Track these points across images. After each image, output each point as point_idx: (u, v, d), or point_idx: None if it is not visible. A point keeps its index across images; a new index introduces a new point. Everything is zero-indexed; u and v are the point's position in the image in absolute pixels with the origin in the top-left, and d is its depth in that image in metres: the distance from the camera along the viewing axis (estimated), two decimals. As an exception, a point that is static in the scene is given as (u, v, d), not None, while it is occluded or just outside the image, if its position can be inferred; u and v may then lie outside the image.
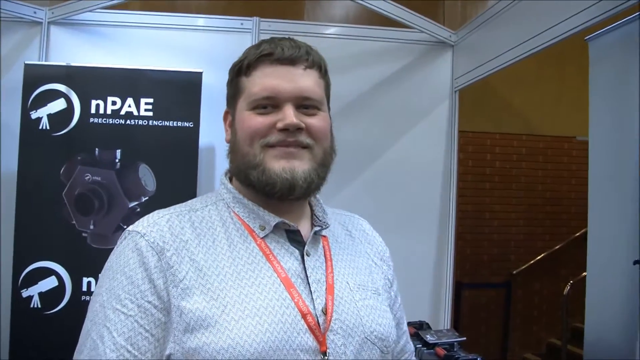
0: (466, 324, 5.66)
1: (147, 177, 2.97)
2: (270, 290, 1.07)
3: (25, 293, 2.86)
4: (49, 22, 3.26)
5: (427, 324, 2.81)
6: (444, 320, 3.45)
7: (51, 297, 2.88)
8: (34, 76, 2.96)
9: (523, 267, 5.92)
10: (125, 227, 2.82)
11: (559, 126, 5.95)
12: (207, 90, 3.05)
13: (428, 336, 2.56)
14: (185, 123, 3.02)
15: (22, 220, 2.89)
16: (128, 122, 2.99)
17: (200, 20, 3.46)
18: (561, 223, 6.04)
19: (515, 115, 5.94)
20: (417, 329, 2.62)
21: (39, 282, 2.88)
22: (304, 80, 1.14)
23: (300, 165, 1.11)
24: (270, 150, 1.11)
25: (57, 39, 3.29)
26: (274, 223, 1.14)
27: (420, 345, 2.52)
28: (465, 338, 2.66)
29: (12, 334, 2.85)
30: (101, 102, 2.98)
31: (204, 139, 3.09)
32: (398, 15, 3.34)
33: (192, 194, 2.88)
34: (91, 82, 3.00)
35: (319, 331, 1.06)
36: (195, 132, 3.03)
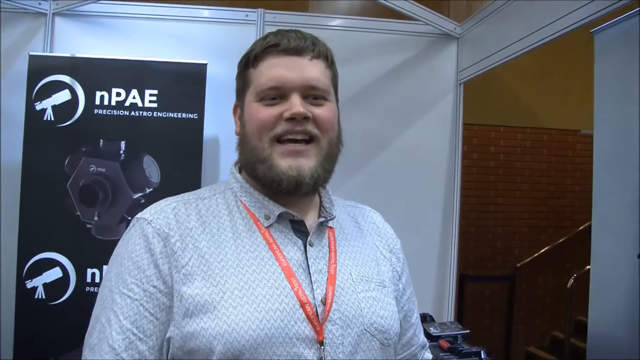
0: (470, 316, 5.68)
1: (151, 169, 2.97)
2: (270, 278, 1.08)
3: (29, 284, 2.87)
4: (53, 14, 3.25)
5: (431, 316, 2.81)
6: (447, 312, 3.45)
7: (55, 288, 2.89)
8: (39, 67, 2.96)
9: (527, 260, 5.93)
10: (129, 218, 2.85)
11: (563, 119, 5.95)
12: (211, 82, 3.04)
13: (432, 329, 2.57)
14: (189, 115, 3.02)
15: (26, 212, 2.90)
16: (132, 113, 2.99)
17: (205, 11, 3.45)
18: (565, 216, 6.04)
19: (520, 108, 5.94)
20: (421, 322, 2.62)
21: (44, 273, 2.89)
22: (310, 70, 1.14)
23: (306, 163, 1.12)
24: (278, 147, 1.12)
25: (61, 30, 3.29)
26: (278, 213, 1.15)
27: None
28: (468, 331, 2.66)
29: (17, 325, 2.86)
30: (106, 94, 2.98)
31: (208, 131, 3.09)
32: (403, 7, 3.33)
33: (196, 186, 2.87)
34: (96, 73, 3.00)
35: (316, 321, 1.07)
36: (199, 123, 3.02)
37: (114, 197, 2.93)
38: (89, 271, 2.89)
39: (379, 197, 3.28)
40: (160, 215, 1.12)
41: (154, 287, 1.05)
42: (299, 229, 1.17)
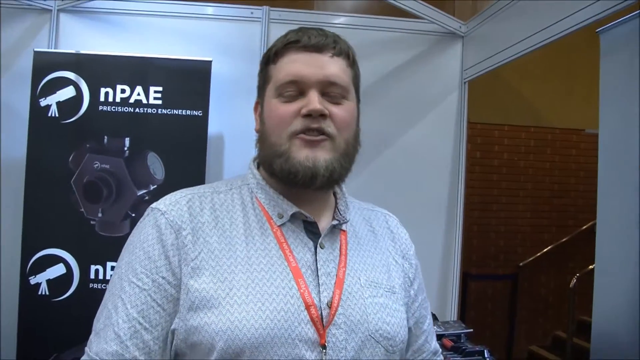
0: (473, 315, 5.67)
1: (155, 166, 2.98)
2: (277, 278, 1.07)
3: (33, 280, 2.88)
4: (58, 10, 3.26)
5: (434, 315, 2.81)
6: (450, 311, 3.45)
7: (59, 284, 2.90)
8: (44, 64, 2.97)
9: (530, 259, 5.92)
10: (133, 215, 2.85)
11: (567, 119, 5.94)
12: (216, 79, 3.04)
13: (435, 327, 2.57)
14: (194, 112, 3.02)
15: (30, 208, 2.91)
16: (137, 110, 3.00)
17: (210, 8, 3.45)
18: (568, 215, 6.03)
19: (524, 107, 5.93)
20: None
21: (47, 270, 2.90)
22: (330, 67, 1.14)
23: (322, 155, 1.11)
24: (296, 140, 1.11)
25: (66, 27, 3.30)
26: (291, 212, 1.14)
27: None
28: (471, 330, 2.67)
29: (20, 321, 2.87)
30: (110, 90, 2.99)
31: (212, 128, 3.09)
32: (408, 5, 3.33)
33: (200, 183, 2.87)
34: (100, 70, 3.01)
35: (320, 324, 1.06)
36: (204, 120, 3.03)
37: (118, 193, 2.93)
38: (93, 267, 2.89)
39: (382, 195, 3.29)
40: (174, 207, 1.12)
41: (163, 278, 1.06)
42: (312, 230, 1.16)
